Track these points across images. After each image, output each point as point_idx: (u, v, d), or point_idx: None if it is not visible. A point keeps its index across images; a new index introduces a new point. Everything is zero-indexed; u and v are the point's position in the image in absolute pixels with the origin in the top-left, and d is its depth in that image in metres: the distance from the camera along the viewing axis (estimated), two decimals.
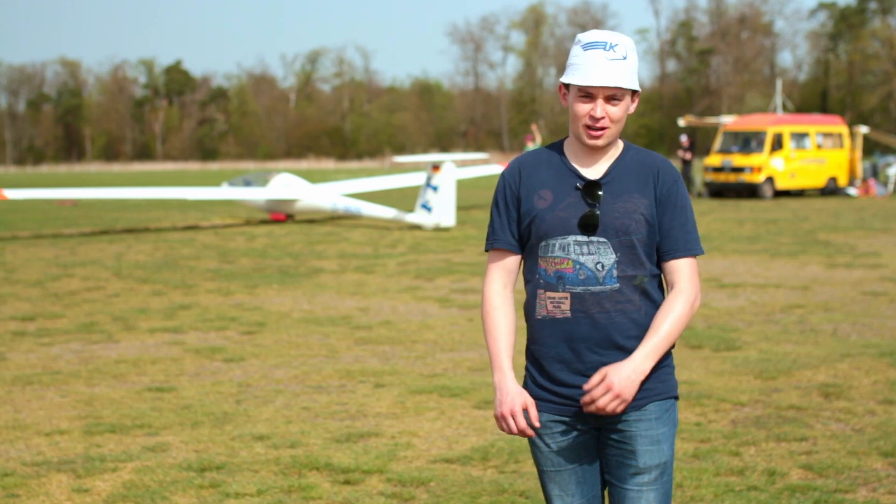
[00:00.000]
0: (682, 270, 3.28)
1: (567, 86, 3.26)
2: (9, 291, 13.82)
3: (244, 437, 6.76)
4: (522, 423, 3.21)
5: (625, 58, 3.18)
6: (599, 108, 3.18)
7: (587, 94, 3.19)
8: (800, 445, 6.39)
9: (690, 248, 3.28)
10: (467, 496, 5.61)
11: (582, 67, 3.19)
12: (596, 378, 3.16)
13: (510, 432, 3.23)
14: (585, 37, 3.23)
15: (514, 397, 3.22)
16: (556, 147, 3.36)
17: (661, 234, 3.27)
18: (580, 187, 3.25)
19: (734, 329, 10.37)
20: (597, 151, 3.28)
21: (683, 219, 3.28)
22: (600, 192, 3.23)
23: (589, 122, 3.21)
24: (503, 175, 3.36)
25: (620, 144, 3.33)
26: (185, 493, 5.71)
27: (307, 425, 7.03)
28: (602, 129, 3.21)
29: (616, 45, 3.18)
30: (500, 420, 3.24)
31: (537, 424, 3.24)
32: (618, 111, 3.20)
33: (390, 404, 7.59)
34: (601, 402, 3.13)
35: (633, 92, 3.26)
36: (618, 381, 3.13)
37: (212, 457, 6.31)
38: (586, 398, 3.16)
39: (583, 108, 3.21)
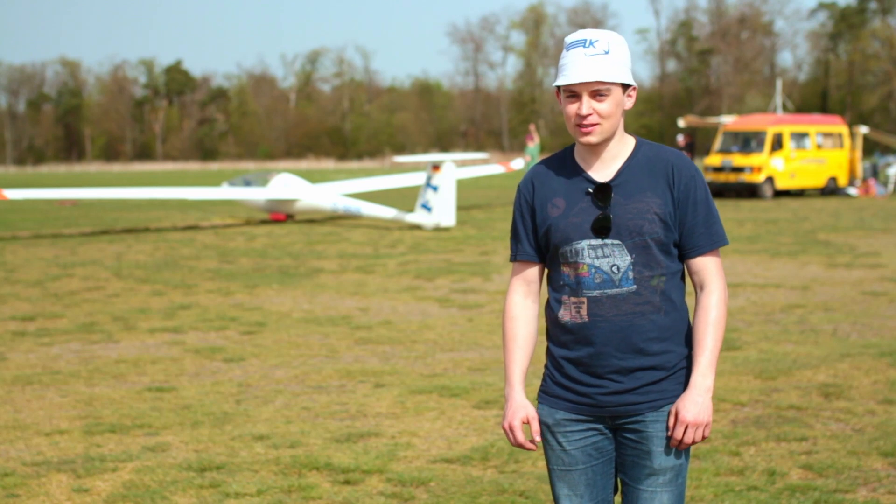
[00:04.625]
0: (708, 268, 3.28)
1: (560, 89, 3.26)
2: (9, 291, 13.82)
3: (244, 437, 6.76)
4: (521, 437, 3.29)
5: (607, 52, 3.16)
6: (585, 105, 3.18)
7: (572, 93, 3.20)
8: (800, 445, 6.39)
9: (715, 241, 3.28)
10: (467, 496, 5.61)
11: (565, 68, 3.20)
12: (670, 421, 3.22)
13: (513, 445, 3.32)
14: (569, 37, 3.24)
15: (517, 410, 3.29)
16: (568, 152, 3.36)
17: (683, 231, 3.25)
18: (591, 191, 3.24)
19: (734, 329, 10.36)
20: (604, 151, 3.26)
21: (705, 212, 3.27)
22: (611, 195, 3.22)
23: (577, 121, 3.21)
24: (519, 187, 3.39)
25: (632, 142, 3.31)
26: (185, 493, 5.72)
27: (307, 425, 7.03)
28: (591, 125, 3.19)
29: (595, 40, 3.17)
30: (505, 432, 3.34)
31: (537, 439, 3.30)
32: (606, 106, 3.18)
33: (390, 404, 7.59)
34: (687, 439, 3.21)
35: (626, 86, 3.23)
36: (686, 411, 3.19)
37: (212, 457, 6.31)
38: (673, 442, 3.23)
39: (571, 107, 3.21)
